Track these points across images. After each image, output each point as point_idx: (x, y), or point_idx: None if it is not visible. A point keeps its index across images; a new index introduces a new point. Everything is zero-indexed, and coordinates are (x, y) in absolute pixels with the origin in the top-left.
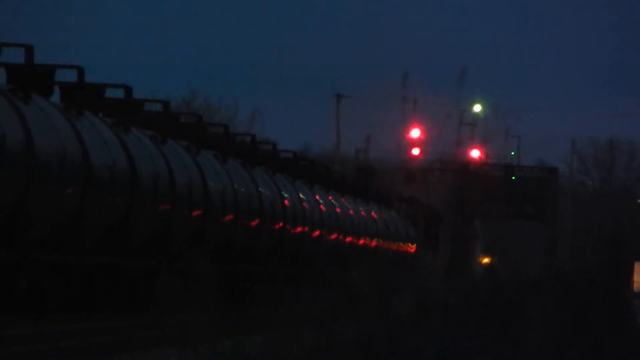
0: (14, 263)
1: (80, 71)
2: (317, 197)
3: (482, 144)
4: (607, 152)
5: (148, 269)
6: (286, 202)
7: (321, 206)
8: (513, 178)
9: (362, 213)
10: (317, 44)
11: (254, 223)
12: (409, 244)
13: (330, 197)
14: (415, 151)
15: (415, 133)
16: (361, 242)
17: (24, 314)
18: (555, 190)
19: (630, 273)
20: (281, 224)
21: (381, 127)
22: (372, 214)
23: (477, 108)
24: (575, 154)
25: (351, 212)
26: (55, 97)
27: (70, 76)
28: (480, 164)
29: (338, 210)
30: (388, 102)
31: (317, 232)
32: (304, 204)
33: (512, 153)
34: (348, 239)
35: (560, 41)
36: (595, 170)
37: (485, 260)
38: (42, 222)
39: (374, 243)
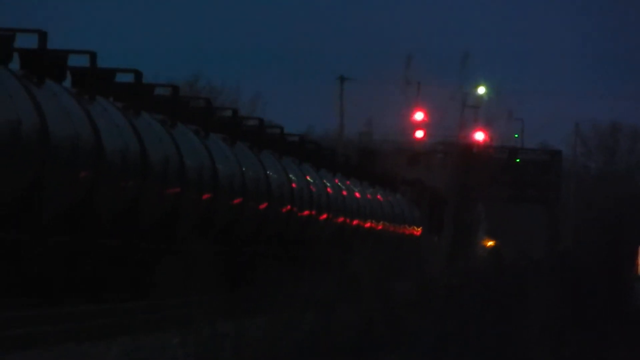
0: (29, 246)
1: (93, 56)
2: (324, 181)
3: (486, 126)
4: (610, 135)
5: (156, 252)
6: (293, 184)
7: (328, 189)
8: (517, 161)
9: (368, 196)
10: (321, 27)
11: (262, 206)
12: (414, 227)
13: (336, 180)
14: (419, 134)
15: (418, 116)
16: (367, 225)
17: (39, 296)
18: (558, 173)
19: (633, 256)
20: (289, 207)
21: (385, 110)
22: (378, 196)
23: (481, 90)
24: (579, 137)
25: (357, 194)
26: (66, 82)
27: (81, 61)
28: (483, 147)
29: (344, 193)
30: (391, 85)
31: (324, 216)
32: (311, 187)
33: (516, 135)
34: (355, 222)
35: (564, 24)
36: (598, 153)
37: (490, 243)
38: (54, 206)
39: (380, 226)
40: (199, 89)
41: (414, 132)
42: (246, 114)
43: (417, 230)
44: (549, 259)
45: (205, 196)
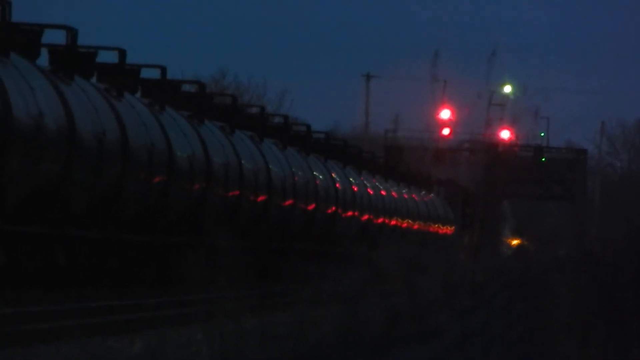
0: (110, 243)
1: (163, 70)
2: (365, 182)
3: (512, 124)
4: (636, 133)
5: (219, 248)
6: (337, 185)
7: (369, 189)
8: (543, 159)
9: (405, 195)
10: (347, 23)
11: (310, 207)
12: (448, 226)
13: (374, 180)
14: (445, 131)
15: (445, 113)
16: (404, 225)
17: (118, 288)
18: (584, 171)
19: None
20: (333, 207)
21: (411, 107)
22: (413, 196)
23: (507, 89)
24: (604, 135)
25: (394, 194)
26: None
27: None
28: (509, 145)
29: (383, 192)
30: (418, 82)
31: (365, 216)
32: (354, 187)
33: (542, 134)
34: (392, 222)
35: (590, 22)
36: (624, 151)
37: (515, 242)
38: (133, 207)
39: (415, 225)
40: (225, 86)
41: (440, 130)
42: (273, 110)
43: (450, 229)
44: (575, 257)
45: (261, 198)
